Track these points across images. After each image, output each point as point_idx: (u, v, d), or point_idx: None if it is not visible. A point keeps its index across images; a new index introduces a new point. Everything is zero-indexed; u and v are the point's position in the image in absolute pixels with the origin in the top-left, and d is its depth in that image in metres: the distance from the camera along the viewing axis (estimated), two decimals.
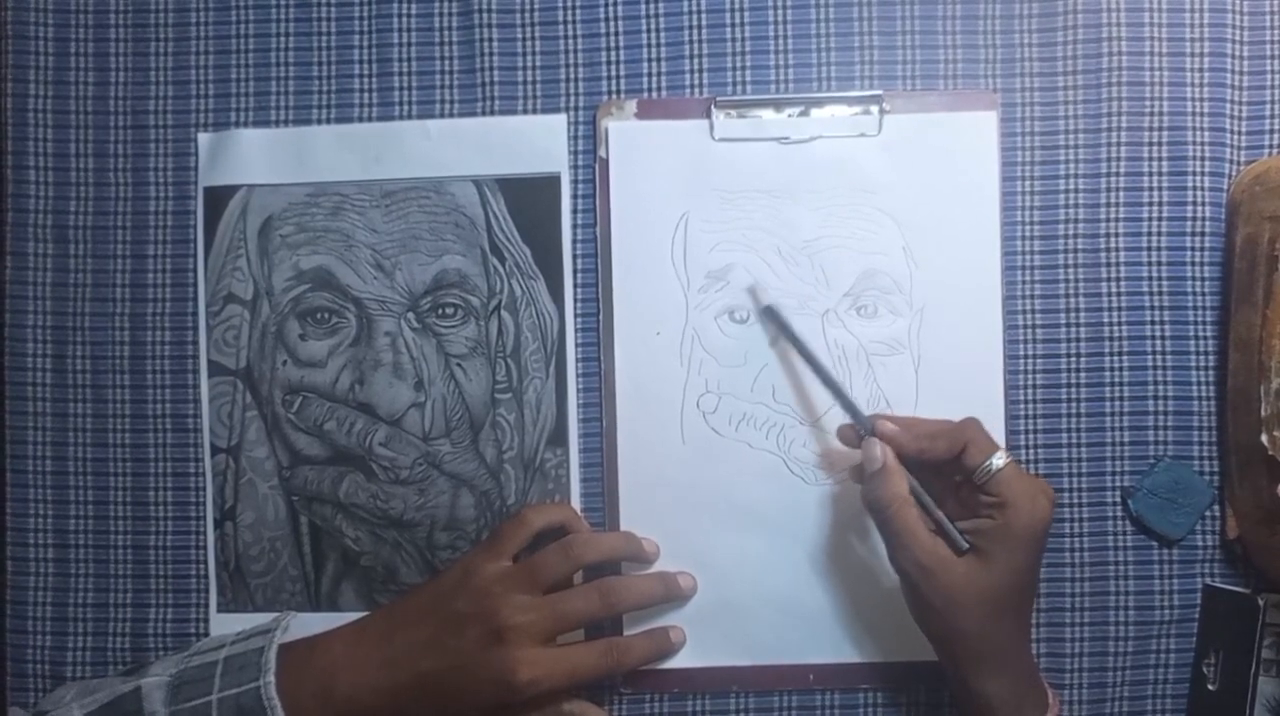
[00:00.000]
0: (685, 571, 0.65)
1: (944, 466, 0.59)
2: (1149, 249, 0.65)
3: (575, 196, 0.66)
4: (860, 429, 0.60)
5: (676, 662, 0.65)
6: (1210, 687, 0.64)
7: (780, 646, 0.65)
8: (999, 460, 0.57)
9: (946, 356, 0.65)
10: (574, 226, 0.66)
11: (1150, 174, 0.64)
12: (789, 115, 0.65)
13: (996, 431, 0.63)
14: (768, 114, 0.65)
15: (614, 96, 0.66)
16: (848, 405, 0.61)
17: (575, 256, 0.66)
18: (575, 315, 0.66)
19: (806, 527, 0.65)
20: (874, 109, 0.65)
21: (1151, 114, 0.64)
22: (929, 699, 0.65)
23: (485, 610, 0.59)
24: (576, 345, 0.66)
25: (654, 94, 0.66)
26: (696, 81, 0.66)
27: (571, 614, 0.61)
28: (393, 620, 0.61)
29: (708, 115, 0.65)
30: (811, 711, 0.65)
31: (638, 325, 0.65)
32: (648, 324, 0.65)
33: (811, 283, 0.65)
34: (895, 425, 0.59)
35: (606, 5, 0.66)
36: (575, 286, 0.66)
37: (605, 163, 0.65)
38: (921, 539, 0.56)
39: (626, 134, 0.65)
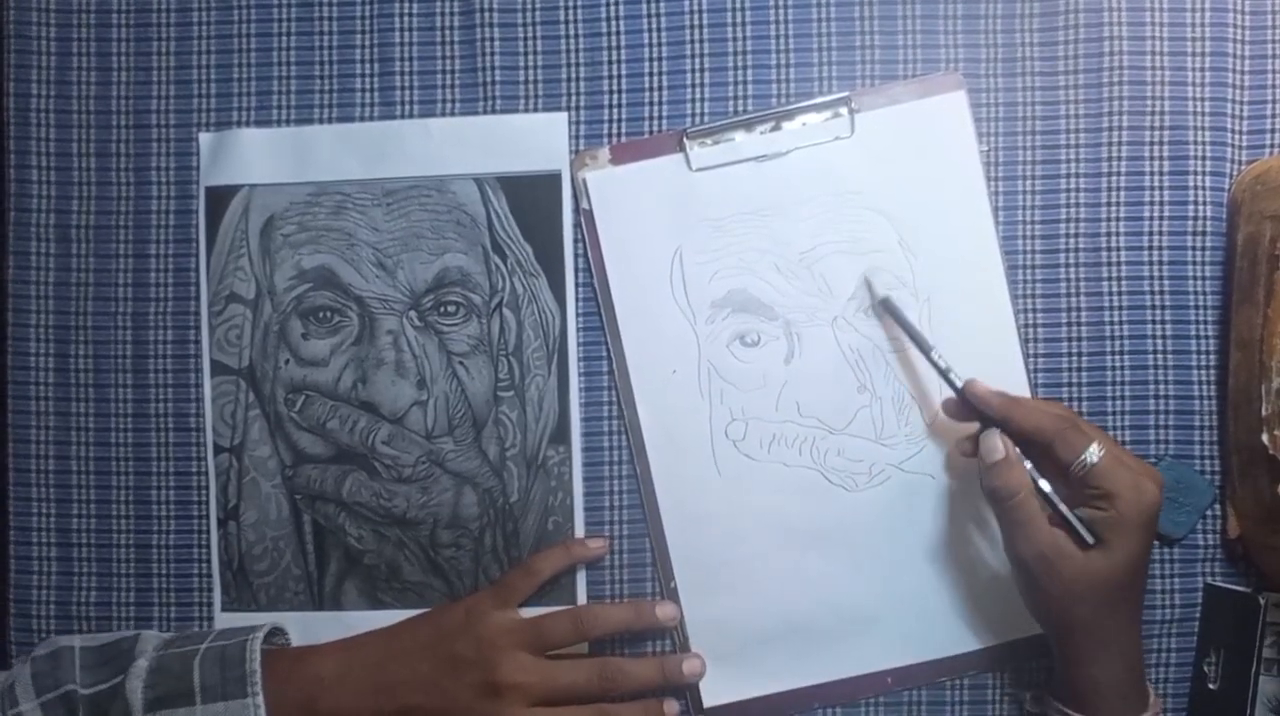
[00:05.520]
0: (694, 655, 0.64)
1: (1038, 450, 0.58)
2: (1150, 248, 0.65)
3: (576, 194, 0.66)
4: (957, 395, 0.61)
5: (757, 692, 0.65)
6: (1211, 686, 0.64)
7: (854, 657, 0.65)
8: (1094, 454, 0.56)
9: (962, 338, 0.64)
10: (575, 224, 0.66)
11: (1151, 173, 0.64)
12: (761, 133, 0.65)
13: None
14: (740, 136, 0.65)
15: (584, 146, 0.66)
16: (949, 381, 0.61)
17: (576, 254, 0.66)
18: (577, 313, 0.66)
19: (856, 534, 0.65)
20: (844, 110, 0.65)
21: (1153, 113, 0.64)
22: (1013, 680, 0.65)
23: (486, 660, 0.60)
24: (579, 344, 0.66)
25: (652, 92, 0.66)
26: (697, 81, 0.66)
27: (569, 687, 0.61)
28: (389, 648, 0.61)
29: (681, 148, 0.65)
30: (899, 708, 0.65)
31: (653, 368, 0.65)
32: (662, 365, 0.65)
33: (815, 293, 0.65)
34: (985, 387, 0.60)
35: (607, 4, 0.66)
36: (576, 284, 0.66)
37: (590, 214, 0.65)
38: (1042, 529, 0.56)
39: (605, 183, 0.65)
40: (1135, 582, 0.57)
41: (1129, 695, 0.58)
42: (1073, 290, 0.65)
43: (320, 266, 0.66)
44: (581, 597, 0.66)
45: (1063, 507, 0.57)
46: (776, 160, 0.65)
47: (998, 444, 0.58)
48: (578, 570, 0.66)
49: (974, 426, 0.61)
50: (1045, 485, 0.58)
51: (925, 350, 0.62)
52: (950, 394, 0.62)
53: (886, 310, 0.63)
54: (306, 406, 0.66)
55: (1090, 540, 0.56)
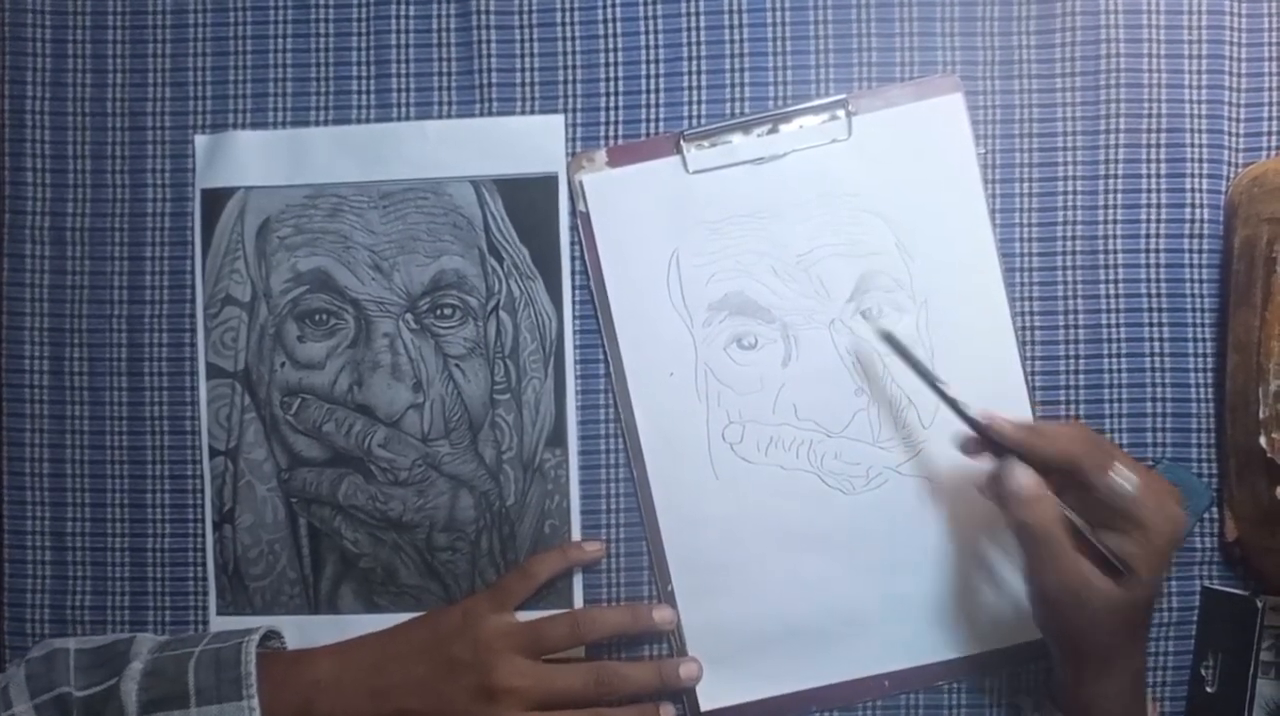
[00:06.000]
0: (691, 659, 0.64)
1: (1058, 474, 0.57)
2: (1147, 251, 0.65)
3: (573, 197, 0.66)
4: (974, 430, 0.58)
5: (754, 695, 0.65)
6: (1209, 690, 0.64)
7: (851, 660, 0.65)
8: (1124, 476, 0.54)
9: (959, 342, 0.64)
10: (572, 227, 0.66)
11: (1148, 176, 0.64)
12: (758, 135, 0.65)
13: (1019, 406, 0.64)
14: (737, 138, 0.65)
15: (580, 149, 0.66)
16: (962, 415, 0.59)
17: (573, 257, 0.66)
18: (574, 316, 0.66)
19: (854, 537, 0.65)
20: (841, 113, 0.65)
21: (1150, 116, 0.64)
22: (1011, 684, 0.65)
23: (483, 664, 0.60)
24: (575, 346, 0.66)
25: (649, 94, 0.66)
26: (694, 83, 0.66)
27: (565, 691, 0.61)
28: (385, 651, 0.61)
29: (678, 150, 0.65)
30: (896, 712, 0.65)
31: (650, 371, 0.65)
32: (659, 368, 0.65)
33: (812, 296, 0.65)
34: (1003, 420, 0.57)
35: (604, 6, 0.66)
36: (573, 287, 0.66)
37: (586, 216, 0.65)
38: (1069, 562, 0.55)
39: (602, 185, 0.65)
40: (1151, 606, 0.57)
41: (1130, 704, 0.58)
42: (1070, 293, 0.65)
43: (316, 269, 0.66)
44: (578, 601, 0.66)
45: (1094, 538, 0.55)
46: (774, 163, 0.65)
47: (1028, 478, 0.56)
48: (574, 573, 0.65)
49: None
50: (1077, 518, 0.56)
51: (933, 384, 0.59)
52: (964, 429, 0.59)
53: (889, 344, 0.62)
54: (302, 409, 0.66)
55: (1123, 571, 0.55)
